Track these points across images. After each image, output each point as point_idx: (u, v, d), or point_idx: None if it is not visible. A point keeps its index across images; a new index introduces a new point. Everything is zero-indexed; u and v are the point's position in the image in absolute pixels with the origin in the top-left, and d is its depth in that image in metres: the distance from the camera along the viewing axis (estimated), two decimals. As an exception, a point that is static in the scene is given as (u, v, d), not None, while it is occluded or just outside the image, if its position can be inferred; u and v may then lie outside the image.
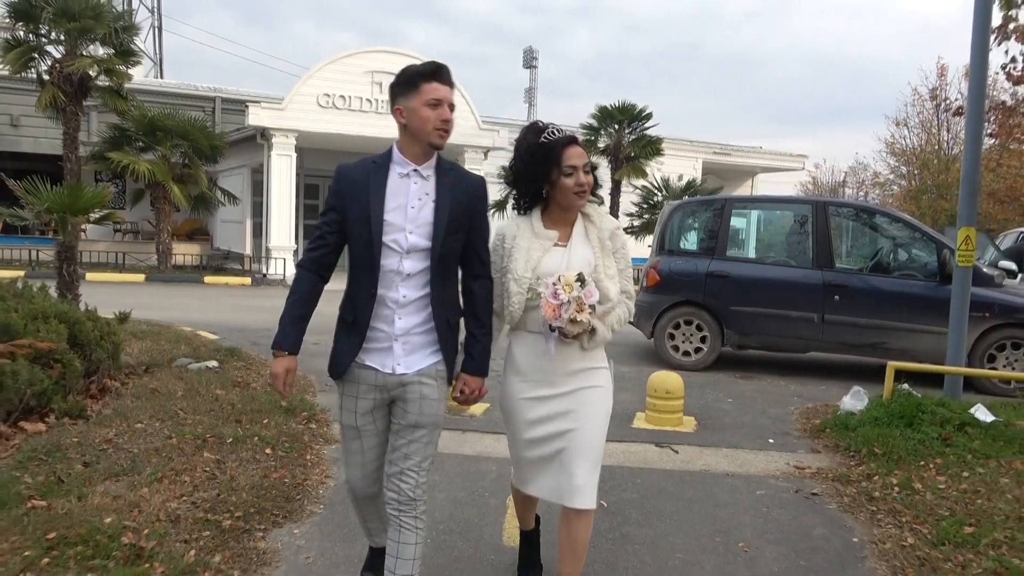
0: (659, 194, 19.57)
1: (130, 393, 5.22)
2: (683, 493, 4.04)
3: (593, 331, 2.45)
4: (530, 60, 52.42)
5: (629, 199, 20.13)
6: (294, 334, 2.40)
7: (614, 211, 20.01)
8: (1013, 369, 6.76)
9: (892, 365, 5.45)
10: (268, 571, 2.96)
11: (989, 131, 23.18)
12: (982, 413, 5.04)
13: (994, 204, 24.25)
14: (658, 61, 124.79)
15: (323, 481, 3.97)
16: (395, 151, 2.40)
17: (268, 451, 4.23)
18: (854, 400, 5.43)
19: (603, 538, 3.38)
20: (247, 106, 15.86)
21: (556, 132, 2.53)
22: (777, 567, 3.20)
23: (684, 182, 20.70)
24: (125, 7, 29.49)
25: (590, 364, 2.56)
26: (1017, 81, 12.81)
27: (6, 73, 15.50)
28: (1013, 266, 10.44)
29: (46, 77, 15.13)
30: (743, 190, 29.25)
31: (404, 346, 2.40)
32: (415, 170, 2.37)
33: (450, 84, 2.37)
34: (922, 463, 4.38)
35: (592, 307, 2.40)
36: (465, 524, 3.51)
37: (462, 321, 2.52)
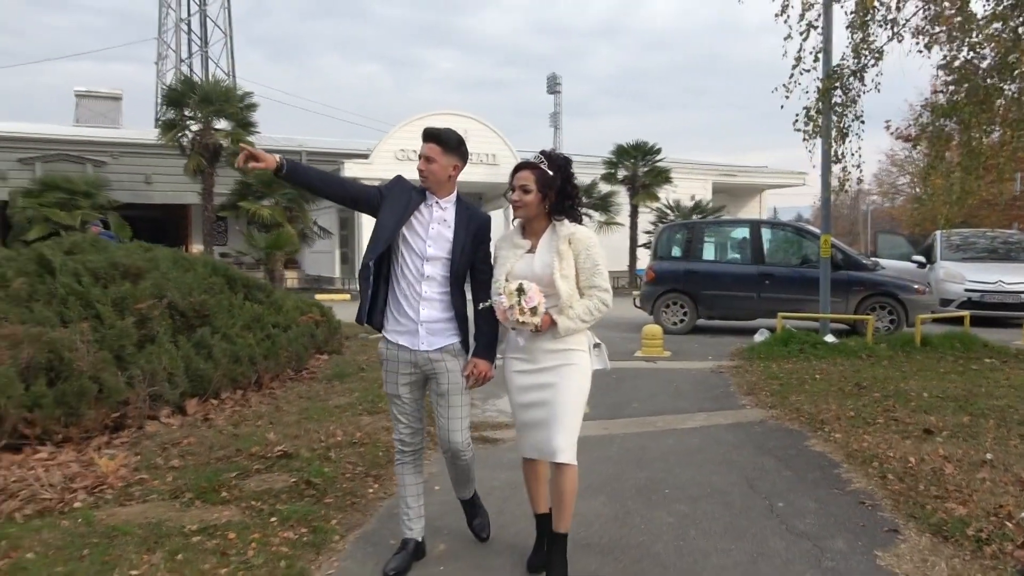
0: (671, 214, 23.48)
1: (351, 347, 9.39)
2: (655, 375, 8.04)
3: (554, 325, 2.86)
4: (554, 86, 54.84)
5: (647, 219, 24.13)
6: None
7: (632, 230, 24.14)
8: (879, 321, 10.58)
9: (781, 315, 9.42)
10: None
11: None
12: (830, 338, 8.98)
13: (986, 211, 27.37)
14: (680, 76, 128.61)
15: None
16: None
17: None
18: (760, 336, 9.43)
19: (613, 385, 7.36)
20: (342, 162, 20.37)
21: (537, 158, 2.97)
22: (692, 394, 7.15)
23: (693, 203, 24.57)
24: (203, 77, 34.39)
25: (565, 346, 2.94)
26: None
27: (150, 141, 20.18)
28: (923, 259, 14.21)
29: (187, 147, 19.76)
30: (751, 206, 32.68)
31: (427, 329, 3.03)
32: (437, 202, 3.09)
33: (430, 141, 3.04)
34: (782, 360, 8.34)
35: (533, 309, 2.78)
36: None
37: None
